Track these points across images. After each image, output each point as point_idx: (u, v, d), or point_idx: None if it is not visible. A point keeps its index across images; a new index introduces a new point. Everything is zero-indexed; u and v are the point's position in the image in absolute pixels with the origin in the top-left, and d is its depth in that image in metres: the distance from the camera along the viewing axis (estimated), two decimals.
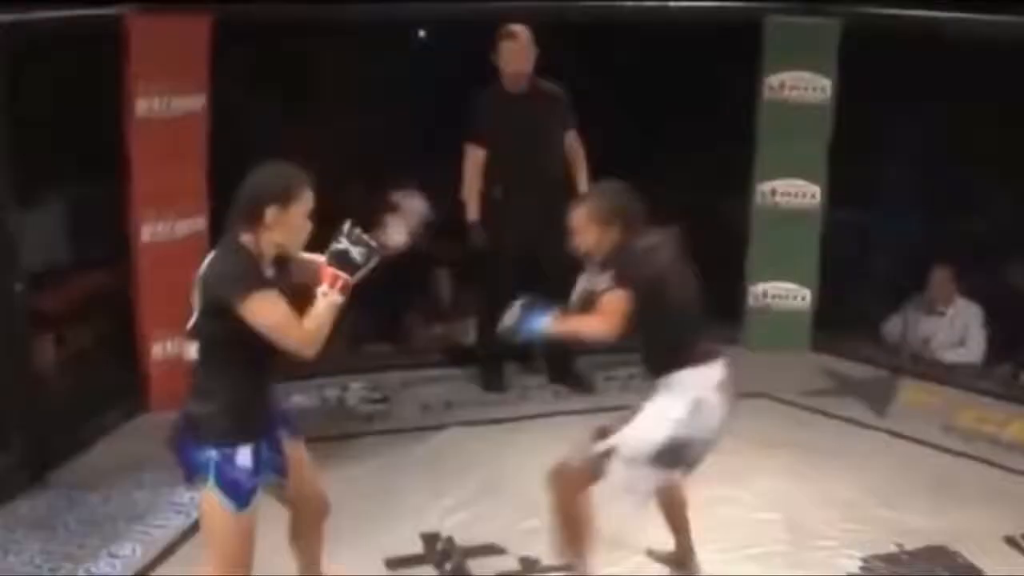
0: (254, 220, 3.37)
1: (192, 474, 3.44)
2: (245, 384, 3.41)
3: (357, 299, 3.53)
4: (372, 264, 3.46)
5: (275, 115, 7.07)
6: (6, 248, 4.88)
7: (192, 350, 3.44)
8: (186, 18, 5.47)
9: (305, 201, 3.43)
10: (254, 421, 3.44)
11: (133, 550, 4.50)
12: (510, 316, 3.88)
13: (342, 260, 3.43)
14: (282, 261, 3.48)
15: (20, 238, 4.95)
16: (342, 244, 3.45)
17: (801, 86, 6.34)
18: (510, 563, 4.44)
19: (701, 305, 4.00)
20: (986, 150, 6.80)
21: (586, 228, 3.90)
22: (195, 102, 5.56)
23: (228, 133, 5.80)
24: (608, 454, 3.82)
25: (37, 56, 5.32)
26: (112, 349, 5.83)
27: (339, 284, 3.40)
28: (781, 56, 6.33)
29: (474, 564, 4.44)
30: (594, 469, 3.85)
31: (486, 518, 4.72)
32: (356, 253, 3.44)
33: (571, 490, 3.93)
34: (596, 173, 5.79)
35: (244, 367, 3.39)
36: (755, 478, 5.10)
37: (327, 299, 3.39)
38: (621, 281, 3.76)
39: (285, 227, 3.39)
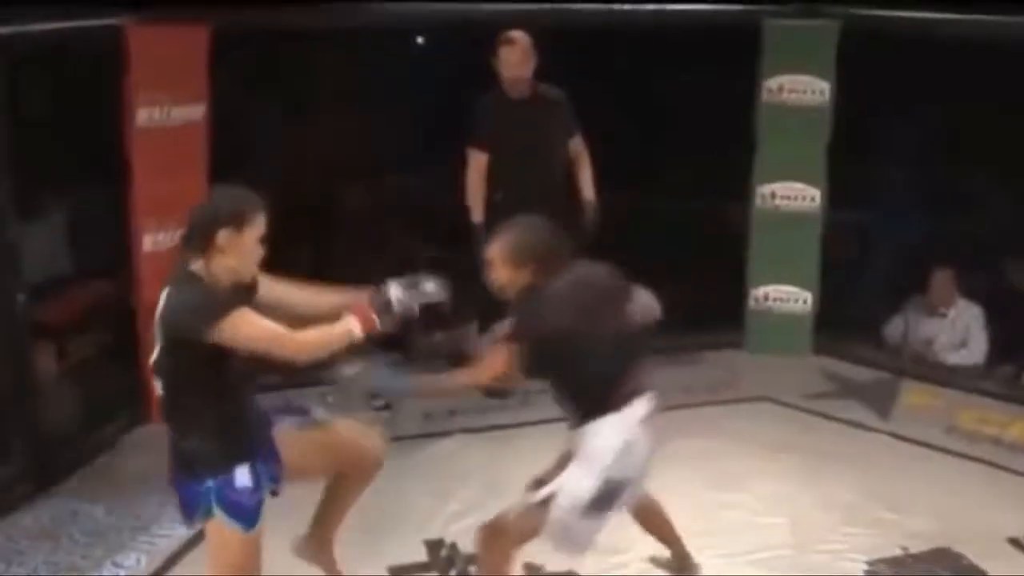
0: (206, 244, 3.30)
1: (193, 513, 3.42)
2: (224, 407, 3.37)
3: None
4: (404, 320, 3.48)
5: (274, 122, 7.08)
6: (7, 258, 4.88)
7: (158, 386, 3.41)
8: (185, 27, 5.47)
9: (258, 225, 3.37)
10: (243, 439, 3.41)
11: (137, 560, 4.51)
12: (364, 376, 3.70)
13: (383, 307, 3.43)
14: (242, 289, 3.42)
15: (21, 248, 4.95)
16: (391, 294, 3.46)
17: (800, 89, 6.34)
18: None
19: (632, 341, 3.80)
20: (986, 150, 6.81)
21: (499, 266, 3.73)
22: (195, 111, 5.56)
23: (228, 141, 5.81)
24: (546, 504, 3.65)
25: (37, 66, 5.34)
26: (114, 359, 5.82)
27: (368, 325, 3.39)
28: (780, 59, 6.33)
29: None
30: (532, 522, 3.69)
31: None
32: (397, 304, 3.46)
33: (508, 546, 3.80)
34: (596, 177, 5.82)
35: (219, 391, 3.36)
36: (758, 482, 5.11)
37: (348, 330, 3.37)
38: (513, 334, 3.64)
39: (238, 251, 3.33)
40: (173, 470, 3.44)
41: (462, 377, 3.85)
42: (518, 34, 5.65)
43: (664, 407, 5.86)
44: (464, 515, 4.78)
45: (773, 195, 6.49)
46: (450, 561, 4.50)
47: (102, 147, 5.48)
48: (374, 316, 3.40)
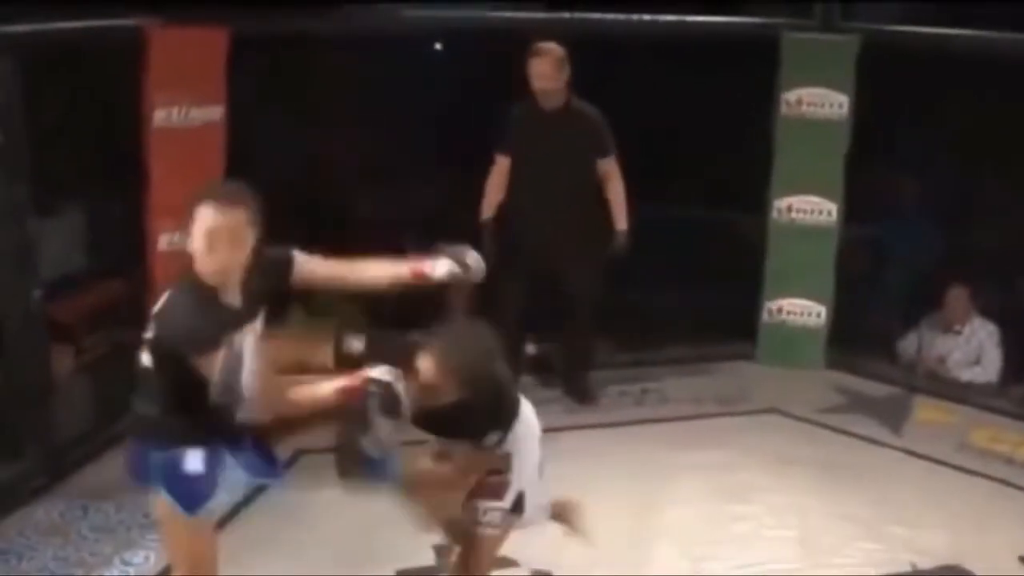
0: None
1: (139, 475, 3.37)
2: (198, 396, 3.18)
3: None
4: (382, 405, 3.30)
5: (290, 124, 7.10)
6: (24, 256, 4.91)
7: (144, 358, 3.33)
8: (205, 30, 5.49)
9: (201, 219, 3.18)
10: (205, 425, 3.27)
11: (146, 557, 4.52)
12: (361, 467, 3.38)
13: (376, 387, 3.27)
14: (246, 293, 3.30)
15: (37, 246, 4.98)
16: (385, 378, 3.29)
17: (818, 102, 6.33)
18: None
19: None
20: (1003, 166, 6.79)
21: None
22: (213, 112, 5.58)
23: (244, 142, 5.83)
24: (519, 503, 3.76)
25: (56, 66, 5.36)
26: (127, 358, 5.83)
27: (347, 394, 3.24)
28: (798, 72, 6.32)
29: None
30: (507, 528, 3.81)
31: None
32: (381, 392, 3.28)
33: (490, 558, 3.91)
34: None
35: (198, 386, 3.17)
36: (768, 494, 5.10)
37: (325, 394, 3.24)
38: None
39: (194, 249, 3.20)
40: (129, 426, 3.39)
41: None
42: (549, 45, 5.65)
43: (675, 417, 5.94)
44: None
45: (789, 208, 6.47)
46: None
47: (120, 147, 5.50)
48: (357, 389, 3.24)
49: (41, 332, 5.05)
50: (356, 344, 3.50)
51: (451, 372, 3.40)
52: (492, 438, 3.69)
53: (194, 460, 3.30)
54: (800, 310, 6.58)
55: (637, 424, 5.90)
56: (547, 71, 5.63)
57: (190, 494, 3.31)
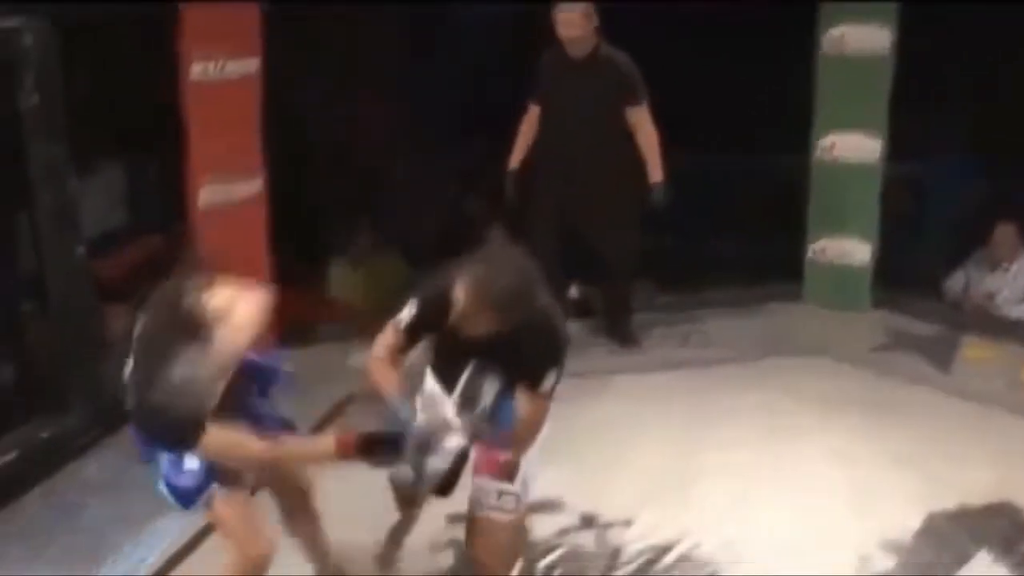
0: None
1: (145, 455, 3.41)
2: None
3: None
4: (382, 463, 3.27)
5: (326, 81, 7.09)
6: (67, 214, 4.94)
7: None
8: None
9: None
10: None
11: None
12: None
13: (371, 444, 3.20)
14: None
15: (80, 203, 5.01)
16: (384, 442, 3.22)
17: (861, 39, 6.22)
18: (569, 519, 4.46)
19: None
20: None
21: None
22: (249, 65, 5.58)
23: (280, 97, 5.84)
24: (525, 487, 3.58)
25: (93, 22, 5.36)
26: None
27: (342, 451, 3.19)
28: (841, 8, 6.21)
29: (533, 520, 4.44)
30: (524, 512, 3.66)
31: (543, 474, 4.70)
32: (379, 451, 3.23)
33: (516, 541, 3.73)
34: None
35: None
36: (815, 436, 5.07)
37: (319, 452, 3.28)
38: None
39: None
40: (135, 415, 3.27)
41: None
42: None
43: (721, 360, 5.92)
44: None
45: (833, 147, 6.39)
46: None
47: (158, 103, 5.51)
48: (351, 448, 3.17)
49: (86, 289, 5.09)
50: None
51: (489, 298, 3.16)
52: (550, 380, 3.38)
53: (191, 459, 3.32)
54: (845, 250, 6.52)
55: (683, 367, 5.89)
56: (572, 18, 5.58)
57: (183, 491, 3.37)
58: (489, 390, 3.25)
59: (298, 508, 3.76)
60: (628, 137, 5.70)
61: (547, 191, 5.79)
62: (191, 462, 3.33)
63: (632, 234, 5.92)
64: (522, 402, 3.38)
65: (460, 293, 3.20)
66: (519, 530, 3.71)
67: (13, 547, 4.36)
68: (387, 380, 3.38)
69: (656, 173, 5.67)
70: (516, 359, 3.33)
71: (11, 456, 4.75)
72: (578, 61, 5.65)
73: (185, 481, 3.35)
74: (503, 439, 3.44)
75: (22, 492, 4.50)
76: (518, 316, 3.20)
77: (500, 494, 3.51)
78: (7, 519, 4.52)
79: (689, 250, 6.89)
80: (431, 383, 3.57)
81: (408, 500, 3.70)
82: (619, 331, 6.15)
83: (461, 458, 3.51)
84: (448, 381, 3.42)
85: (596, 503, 4.50)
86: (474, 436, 3.40)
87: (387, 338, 3.43)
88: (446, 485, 3.60)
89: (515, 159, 5.86)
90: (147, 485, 4.67)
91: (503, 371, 3.35)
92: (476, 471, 3.55)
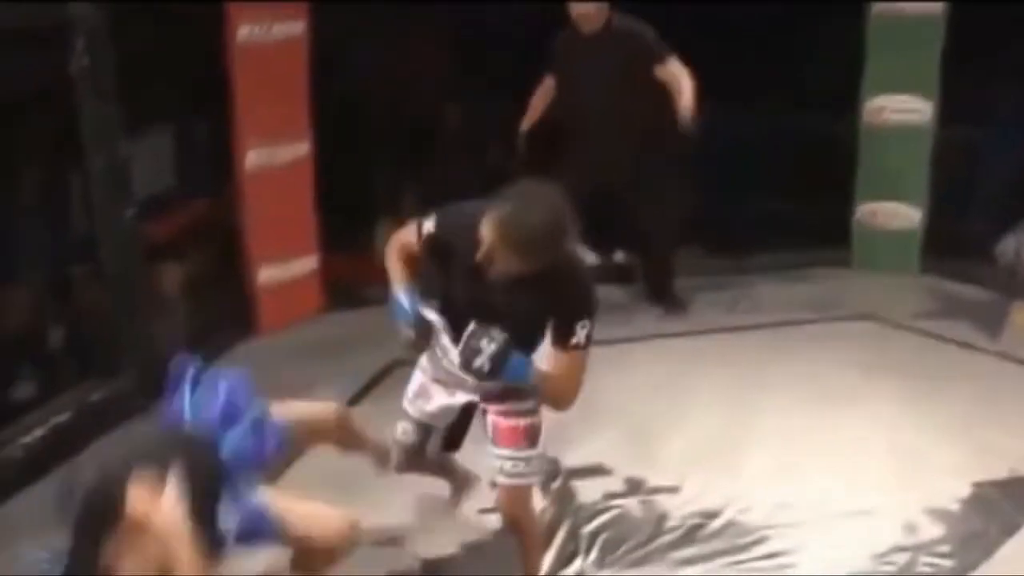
0: None
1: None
2: None
3: None
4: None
5: (375, 40, 7.06)
6: (117, 176, 4.96)
7: None
8: None
9: None
10: None
11: None
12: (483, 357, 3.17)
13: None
14: None
15: (130, 166, 5.03)
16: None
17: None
18: (616, 484, 4.47)
19: None
20: None
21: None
22: (295, 27, 5.59)
23: (328, 55, 5.84)
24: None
25: None
26: (219, 276, 5.92)
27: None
28: None
29: (580, 484, 4.46)
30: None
31: (590, 440, 4.72)
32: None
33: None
34: (700, 94, 5.65)
35: None
36: (863, 402, 5.04)
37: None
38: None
39: None
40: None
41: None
42: None
43: (769, 324, 5.89)
44: (565, 431, 4.70)
45: (882, 109, 6.32)
46: (552, 475, 4.46)
47: (205, 65, 5.53)
48: None
49: (136, 251, 5.12)
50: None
51: (515, 235, 3.03)
52: (582, 331, 3.23)
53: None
54: (894, 213, 6.45)
55: (730, 331, 5.86)
56: (588, 14, 5.60)
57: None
58: (488, 347, 3.16)
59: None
60: (655, 107, 5.65)
61: (570, 167, 5.71)
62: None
63: (669, 200, 5.92)
64: (554, 357, 3.27)
65: (486, 229, 3.07)
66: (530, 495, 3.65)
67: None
68: (396, 269, 3.47)
69: (686, 103, 5.50)
70: (543, 308, 3.22)
71: (63, 418, 4.80)
72: (591, 38, 5.67)
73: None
74: (517, 395, 3.40)
75: (73, 454, 4.54)
76: (546, 257, 3.09)
77: (529, 460, 3.49)
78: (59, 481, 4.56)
79: (737, 214, 6.83)
80: (444, 339, 3.48)
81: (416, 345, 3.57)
82: (663, 297, 6.13)
83: (466, 413, 3.57)
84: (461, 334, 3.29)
85: (643, 468, 4.51)
86: (478, 391, 3.44)
87: (408, 234, 3.46)
88: (453, 440, 3.68)
89: (526, 123, 5.94)
90: None
91: (528, 323, 3.25)
92: (491, 439, 3.52)
